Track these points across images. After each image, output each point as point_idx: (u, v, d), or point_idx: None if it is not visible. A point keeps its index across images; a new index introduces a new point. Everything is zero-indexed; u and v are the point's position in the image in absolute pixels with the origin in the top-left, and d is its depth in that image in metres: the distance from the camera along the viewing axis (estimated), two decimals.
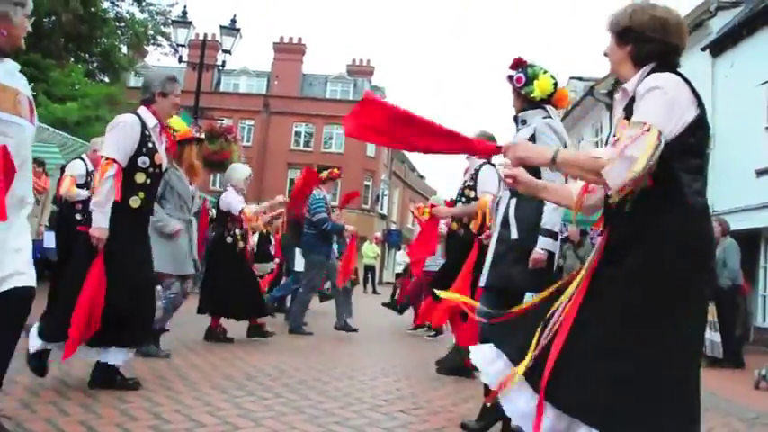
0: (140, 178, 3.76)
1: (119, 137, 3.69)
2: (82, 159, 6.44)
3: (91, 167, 6.32)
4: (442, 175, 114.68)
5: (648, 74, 2.25)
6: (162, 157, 3.89)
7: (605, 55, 2.46)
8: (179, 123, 5.31)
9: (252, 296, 6.32)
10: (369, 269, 22.85)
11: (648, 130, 2.03)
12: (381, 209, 39.23)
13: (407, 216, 44.67)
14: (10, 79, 2.66)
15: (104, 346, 3.64)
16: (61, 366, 4.07)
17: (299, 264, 8.22)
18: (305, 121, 38.12)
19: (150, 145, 3.79)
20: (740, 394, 5.74)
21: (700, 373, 2.15)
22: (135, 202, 3.74)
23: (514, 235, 3.50)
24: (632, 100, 2.23)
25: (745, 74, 11.91)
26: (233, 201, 6.22)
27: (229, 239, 6.22)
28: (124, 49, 21.43)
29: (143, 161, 3.75)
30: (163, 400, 3.47)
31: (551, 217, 3.47)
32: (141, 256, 3.85)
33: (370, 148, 37.87)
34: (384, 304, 10.32)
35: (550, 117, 3.69)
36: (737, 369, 7.70)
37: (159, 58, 32.16)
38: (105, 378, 3.66)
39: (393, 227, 40.25)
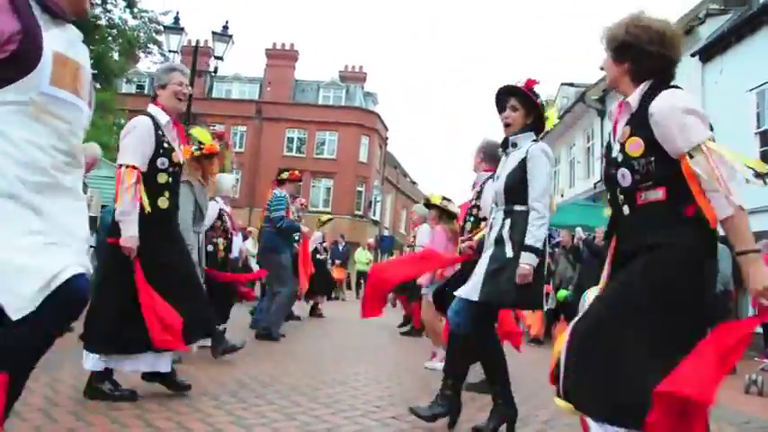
0: (162, 179, 3.78)
1: (136, 142, 3.68)
2: None
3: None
4: (435, 180, 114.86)
5: (651, 89, 2.31)
6: (179, 155, 3.91)
7: (602, 69, 2.49)
8: (204, 136, 5.24)
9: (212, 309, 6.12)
10: (361, 275, 22.78)
11: (709, 149, 2.17)
12: (374, 215, 39.21)
13: (400, 222, 44.80)
14: (73, 50, 2.16)
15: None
16: (51, 373, 4.06)
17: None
18: (297, 127, 38.09)
19: (166, 145, 3.79)
20: (731, 399, 5.75)
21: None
22: (163, 202, 3.78)
23: (509, 254, 3.46)
24: (635, 115, 2.32)
25: (735, 80, 12.01)
26: (212, 215, 6.07)
27: (210, 248, 6.17)
28: (116, 56, 21.36)
29: (162, 162, 3.76)
30: (154, 408, 3.46)
31: (535, 234, 3.45)
32: (181, 250, 3.95)
33: (363, 154, 37.91)
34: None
35: (538, 141, 3.70)
36: (729, 374, 7.72)
37: (149, 66, 31.98)
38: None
39: (385, 232, 40.22)
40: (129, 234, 3.56)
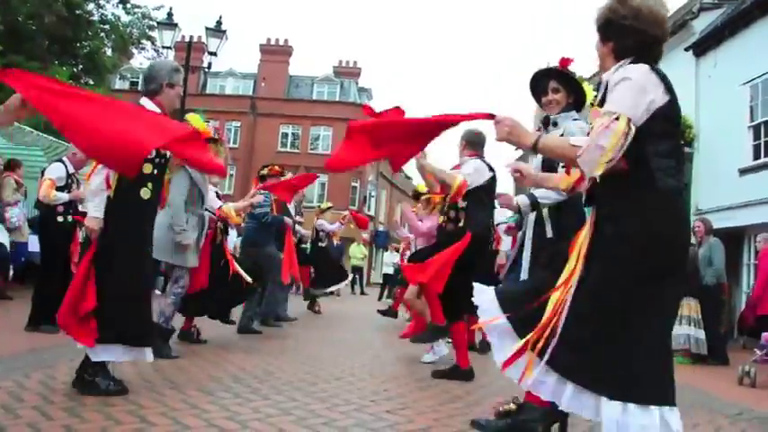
0: (147, 169, 3.72)
1: None
2: (62, 162, 6.38)
3: (71, 170, 6.29)
4: None
5: (622, 66, 2.36)
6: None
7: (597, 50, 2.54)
8: (198, 122, 5.31)
9: (221, 296, 6.07)
10: (356, 270, 22.81)
11: (618, 119, 2.15)
12: (369, 210, 39.21)
13: (395, 217, 44.79)
14: None
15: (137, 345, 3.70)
16: (45, 370, 4.05)
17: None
18: (292, 123, 38.03)
19: None
20: (724, 390, 5.79)
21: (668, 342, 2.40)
22: (145, 193, 3.73)
23: (549, 233, 3.65)
24: (606, 90, 2.36)
25: (728, 73, 12.03)
26: (212, 200, 6.11)
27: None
28: (109, 52, 21.25)
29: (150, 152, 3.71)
30: (148, 403, 3.45)
31: (546, 193, 3.62)
32: (147, 252, 3.89)
33: None
34: (380, 311, 10.14)
35: (578, 119, 3.77)
36: (722, 366, 7.77)
37: (142, 62, 31.82)
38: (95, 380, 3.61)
39: (380, 228, 40.20)
40: (94, 215, 3.59)
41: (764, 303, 7.91)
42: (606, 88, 2.36)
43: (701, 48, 13.02)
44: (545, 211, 3.70)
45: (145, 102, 3.86)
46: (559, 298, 2.42)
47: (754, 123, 11.64)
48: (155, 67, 4.03)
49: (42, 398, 3.40)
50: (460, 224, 5.01)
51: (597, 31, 2.48)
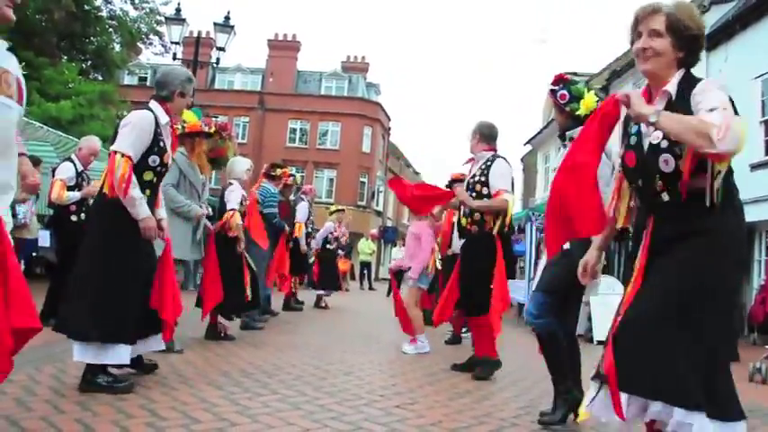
0: (148, 176, 3.78)
1: (134, 134, 3.69)
2: (71, 160, 6.40)
3: (81, 167, 6.31)
4: (438, 170, 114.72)
5: (685, 78, 2.36)
6: (169, 156, 3.91)
7: (644, 49, 2.38)
8: (190, 116, 5.38)
9: (236, 293, 6.05)
10: (365, 266, 22.83)
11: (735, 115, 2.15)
12: (377, 205, 39.22)
13: (403, 212, 44.78)
14: None
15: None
16: (56, 364, 4.08)
17: None
18: (300, 118, 38.04)
19: (161, 144, 3.80)
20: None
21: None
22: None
23: (566, 245, 3.41)
24: (674, 103, 2.31)
25: (739, 68, 11.95)
26: (233, 199, 6.12)
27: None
28: (117, 48, 21.31)
29: (153, 160, 3.76)
30: (159, 398, 3.47)
31: None
32: (148, 249, 3.89)
33: (366, 145, 37.87)
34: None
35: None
36: (733, 362, 7.72)
37: (149, 58, 31.87)
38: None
39: (389, 223, 40.28)
40: (144, 214, 3.67)
41: None
42: (685, 100, 2.29)
43: (712, 42, 12.93)
44: None
45: (154, 105, 3.88)
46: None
47: (765, 118, 11.58)
48: (169, 74, 4.04)
49: (54, 391, 3.43)
50: (487, 227, 4.96)
51: (672, 36, 2.35)
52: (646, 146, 2.36)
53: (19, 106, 2.47)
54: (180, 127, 5.07)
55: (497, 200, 4.90)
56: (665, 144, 2.28)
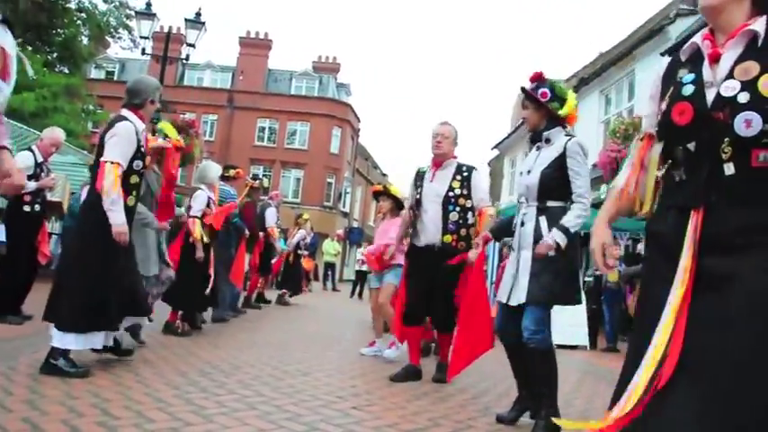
0: (134, 179, 4.16)
1: (122, 144, 4.02)
2: (31, 150, 6.27)
3: (40, 158, 6.17)
4: (405, 172, 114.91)
5: None
6: (148, 159, 4.39)
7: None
8: (169, 128, 5.54)
9: (197, 291, 6.36)
10: (329, 266, 22.74)
11: None
12: (344, 206, 39.15)
13: (369, 213, 44.82)
14: None
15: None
16: (7, 362, 3.99)
17: None
18: (269, 117, 37.81)
19: (143, 149, 4.19)
20: None
21: None
22: (131, 201, 4.15)
23: (551, 252, 3.44)
24: (756, 44, 1.81)
25: None
26: (195, 206, 6.38)
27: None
28: (85, 41, 20.94)
29: (137, 164, 4.13)
30: (112, 396, 3.42)
31: (572, 220, 3.48)
32: (132, 249, 4.28)
33: (335, 146, 37.78)
34: None
35: (572, 136, 3.70)
36: None
37: (117, 52, 31.40)
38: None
39: (355, 224, 40.21)
40: (120, 221, 3.94)
41: None
42: (765, 38, 1.79)
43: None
44: (544, 228, 3.52)
45: (129, 114, 4.18)
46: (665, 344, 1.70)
47: None
48: (141, 82, 4.39)
49: (2, 390, 3.35)
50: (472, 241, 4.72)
51: None
52: (710, 97, 1.78)
53: (6, 86, 2.35)
54: (161, 139, 5.29)
55: (491, 218, 4.82)
56: (744, 98, 1.70)
